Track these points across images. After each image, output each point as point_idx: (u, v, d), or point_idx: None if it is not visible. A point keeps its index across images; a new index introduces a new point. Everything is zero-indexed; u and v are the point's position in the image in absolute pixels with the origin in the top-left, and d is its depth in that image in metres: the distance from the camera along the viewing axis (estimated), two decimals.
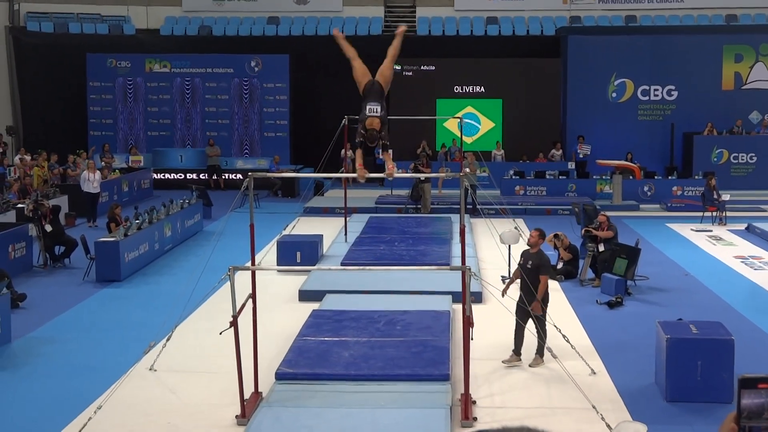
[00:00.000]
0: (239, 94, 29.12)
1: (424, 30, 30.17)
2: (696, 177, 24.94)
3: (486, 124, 28.98)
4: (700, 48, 27.83)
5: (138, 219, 16.44)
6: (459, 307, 11.30)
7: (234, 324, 8.29)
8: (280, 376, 9.49)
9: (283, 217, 19.51)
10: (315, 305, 12.64)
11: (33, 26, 29.96)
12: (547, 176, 25.22)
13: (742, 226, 20.04)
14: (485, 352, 10.59)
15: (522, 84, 28.64)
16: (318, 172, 18.12)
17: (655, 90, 28.11)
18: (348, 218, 18.61)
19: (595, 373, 9.95)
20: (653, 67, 27.94)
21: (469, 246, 14.93)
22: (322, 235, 17.07)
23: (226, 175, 27.66)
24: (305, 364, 9.82)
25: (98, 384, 9.51)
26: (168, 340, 9.93)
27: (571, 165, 26.55)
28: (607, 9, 30.32)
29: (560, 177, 25.25)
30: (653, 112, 28.21)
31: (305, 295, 13.50)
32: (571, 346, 9.91)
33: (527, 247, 10.96)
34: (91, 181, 20.56)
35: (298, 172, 25.80)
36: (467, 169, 21.53)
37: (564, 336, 9.82)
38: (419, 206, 22.55)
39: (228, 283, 8.37)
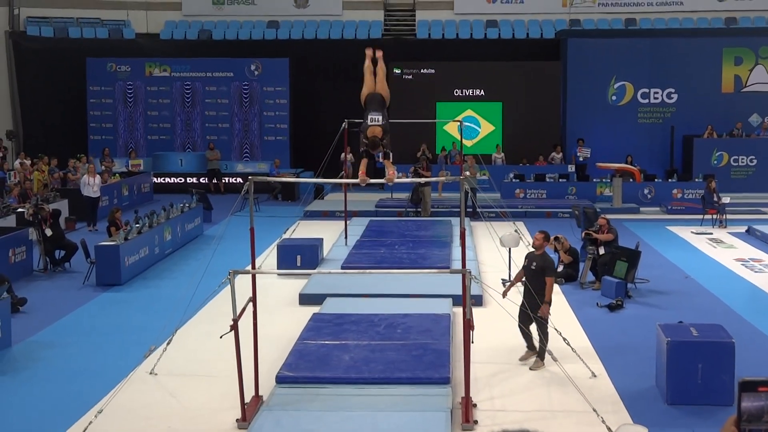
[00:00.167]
0: (239, 97, 29.14)
1: (424, 33, 30.19)
2: (696, 180, 24.96)
3: (486, 128, 28.99)
4: (700, 51, 27.86)
5: (138, 223, 16.44)
6: (459, 310, 11.29)
7: (234, 327, 8.29)
8: (280, 380, 9.49)
9: (284, 220, 19.52)
10: (315, 309, 12.64)
11: (33, 31, 29.99)
12: (547, 179, 25.22)
13: (743, 229, 20.04)
14: (486, 355, 10.59)
15: (522, 87, 28.66)
16: (318, 176, 18.10)
17: (655, 93, 28.14)
18: (348, 222, 18.61)
19: (595, 375, 9.94)
20: (653, 70, 27.97)
21: (469, 249, 14.94)
22: (323, 239, 17.08)
23: (226, 178, 27.69)
24: (306, 368, 9.82)
25: (99, 388, 9.50)
26: (168, 343, 9.92)
27: (571, 168, 26.56)
28: (607, 12, 30.36)
29: (560, 180, 25.25)
30: (653, 115, 28.23)
31: (305, 299, 13.50)
32: (572, 348, 9.90)
33: (532, 249, 10.97)
34: (91, 185, 20.56)
35: (298, 176, 25.81)
36: (467, 173, 21.52)
37: (564, 339, 9.82)
38: (419, 209, 22.56)
39: (228, 286, 8.37)
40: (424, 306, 12.48)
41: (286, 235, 17.06)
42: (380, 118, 8.89)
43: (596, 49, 28.17)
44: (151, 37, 30.47)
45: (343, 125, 17.71)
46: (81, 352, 11.24)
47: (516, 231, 14.47)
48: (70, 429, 8.56)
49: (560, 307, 12.72)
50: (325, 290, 13.62)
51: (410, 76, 28.98)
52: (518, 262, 13.80)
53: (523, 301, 10.28)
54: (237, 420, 8.62)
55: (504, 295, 10.46)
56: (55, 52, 29.41)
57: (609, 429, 7.97)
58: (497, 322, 11.42)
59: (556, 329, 10.07)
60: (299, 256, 15.67)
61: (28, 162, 24.27)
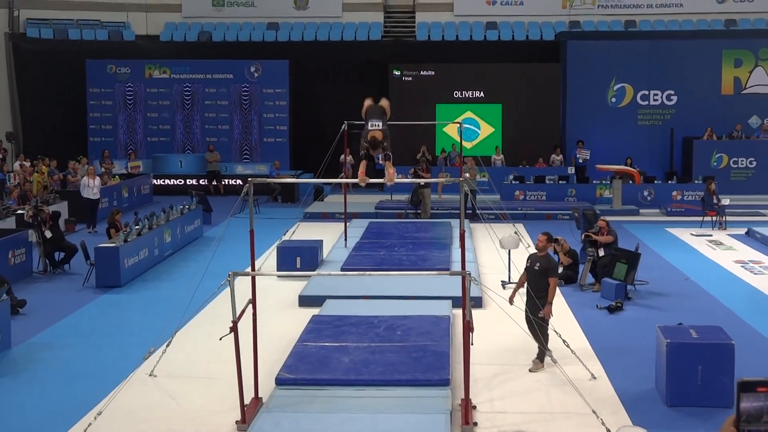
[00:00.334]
0: (239, 99, 29.15)
1: (424, 35, 30.20)
2: (696, 181, 24.96)
3: (486, 129, 28.99)
4: (700, 53, 27.88)
5: (138, 225, 16.44)
6: (459, 312, 11.29)
7: (234, 329, 8.29)
8: (280, 382, 9.49)
9: (283, 222, 19.53)
10: (315, 310, 12.64)
11: (33, 33, 30.00)
12: (547, 181, 25.22)
13: (742, 231, 20.04)
14: (485, 357, 10.60)
15: (521, 89, 28.67)
16: (318, 178, 18.12)
17: (655, 95, 28.15)
18: (348, 223, 18.60)
19: (595, 377, 9.95)
20: (653, 71, 27.98)
21: (468, 251, 14.93)
22: (322, 241, 17.07)
23: (226, 180, 27.69)
24: (305, 370, 9.82)
25: (98, 390, 9.50)
26: (168, 345, 9.93)
27: (571, 170, 26.55)
28: (607, 14, 30.37)
29: (560, 182, 25.24)
30: (653, 116, 28.24)
31: (305, 301, 13.50)
32: (571, 350, 9.91)
33: (533, 251, 10.99)
34: (90, 187, 20.56)
35: (297, 178, 25.82)
36: (467, 174, 21.54)
37: (564, 341, 9.82)
38: (419, 211, 22.56)
39: (228, 288, 8.37)
40: (424, 308, 12.48)
41: (285, 237, 17.06)
42: (380, 123, 9.10)
43: (596, 51, 28.19)
44: (150, 38, 30.49)
45: (343, 127, 17.72)
46: (80, 354, 11.24)
47: (515, 233, 14.48)
48: (70, 431, 8.56)
49: (560, 309, 12.71)
50: (324, 292, 13.62)
51: (410, 78, 28.99)
52: (518, 264, 13.83)
53: (526, 306, 10.30)
54: (236, 422, 8.62)
55: (511, 301, 10.48)
56: (54, 53, 29.42)
57: (608, 431, 7.97)
58: (497, 324, 11.42)
59: (555, 331, 10.08)
60: (299, 258, 15.66)
61: (27, 164, 24.28)
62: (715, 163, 26.69)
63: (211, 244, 18.13)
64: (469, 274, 8.49)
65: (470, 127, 28.14)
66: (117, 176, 25.33)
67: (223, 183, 27.55)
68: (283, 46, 29.70)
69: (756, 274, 15.98)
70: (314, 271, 15.07)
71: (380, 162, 27.29)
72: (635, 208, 23.72)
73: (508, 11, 30.47)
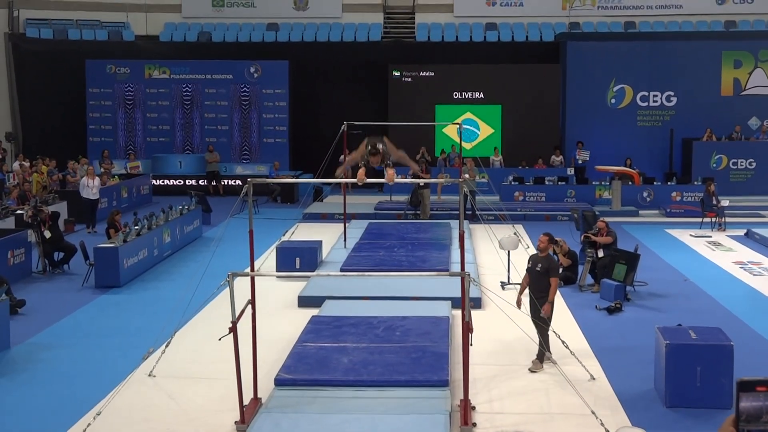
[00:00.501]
0: (238, 100, 29.14)
1: (423, 36, 30.20)
2: (695, 183, 24.97)
3: (485, 130, 28.99)
4: (699, 54, 27.89)
5: (137, 225, 16.44)
6: (458, 312, 11.28)
7: (233, 330, 8.29)
8: (279, 382, 9.49)
9: (283, 223, 19.53)
10: (314, 311, 12.64)
11: (32, 33, 29.99)
12: (547, 182, 25.22)
13: (741, 232, 20.04)
14: (484, 358, 10.60)
15: (521, 90, 28.66)
16: (317, 178, 18.13)
17: (654, 96, 28.15)
18: (347, 224, 18.60)
19: (594, 378, 9.95)
20: (652, 73, 27.98)
21: (468, 252, 14.94)
22: (322, 241, 17.07)
23: (226, 181, 27.68)
24: (304, 370, 9.82)
25: (97, 390, 9.50)
26: (167, 345, 9.92)
27: (571, 171, 26.56)
28: (606, 15, 30.38)
29: (559, 183, 25.24)
30: (652, 117, 28.24)
31: (304, 301, 13.50)
32: (571, 351, 9.91)
33: (535, 252, 11.00)
34: (90, 187, 20.56)
35: (297, 178, 25.82)
36: (466, 175, 21.55)
37: (563, 341, 9.82)
38: (418, 212, 22.56)
39: (227, 289, 8.36)
40: (423, 308, 12.49)
41: (285, 238, 17.06)
42: (381, 144, 9.53)
43: (596, 52, 28.19)
44: (150, 39, 30.48)
45: (343, 127, 17.71)
46: (80, 354, 11.24)
47: (515, 234, 14.48)
48: (69, 431, 8.56)
49: (559, 310, 12.67)
50: (324, 293, 13.62)
51: (409, 79, 28.99)
52: (517, 265, 13.84)
53: (531, 307, 10.32)
54: (236, 422, 8.61)
55: (518, 305, 10.48)
56: (54, 54, 29.42)
57: (608, 431, 7.97)
58: (496, 325, 11.43)
59: (554, 332, 10.08)
60: (298, 259, 15.66)
61: (27, 164, 24.27)
62: (714, 165, 26.69)
63: (211, 244, 18.14)
64: (469, 274, 8.48)
65: (470, 128, 28.14)
66: (116, 176, 25.32)
67: (222, 183, 27.55)
68: (282, 47, 29.70)
69: (755, 275, 15.99)
70: (313, 271, 15.06)
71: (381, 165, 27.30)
72: (634, 209, 23.72)
73: (507, 12, 30.47)
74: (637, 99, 28.15)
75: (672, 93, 28.05)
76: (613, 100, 28.23)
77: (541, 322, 10.15)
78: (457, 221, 11.69)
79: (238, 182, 26.77)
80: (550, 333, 10.22)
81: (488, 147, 28.34)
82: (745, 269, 16.45)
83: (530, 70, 28.83)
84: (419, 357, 10.17)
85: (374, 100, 28.68)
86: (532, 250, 14.22)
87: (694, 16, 30.12)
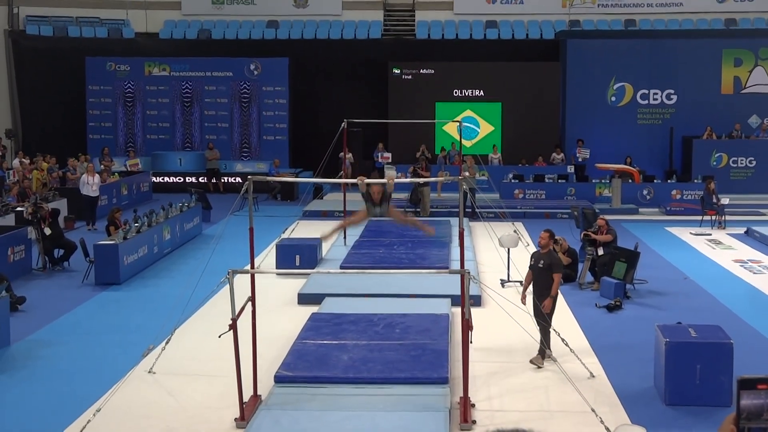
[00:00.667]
0: (238, 97, 29.13)
1: (424, 33, 30.19)
2: (695, 181, 24.96)
3: (485, 128, 28.98)
4: (700, 52, 27.88)
5: (137, 222, 16.44)
6: (458, 310, 11.28)
7: (233, 327, 8.29)
8: (279, 379, 9.49)
9: (283, 220, 19.52)
10: (314, 308, 12.64)
11: (32, 30, 29.97)
12: (547, 180, 25.21)
13: (742, 230, 20.04)
14: (484, 355, 10.60)
15: (521, 88, 28.64)
16: (317, 176, 18.12)
17: (655, 94, 28.15)
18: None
19: (594, 376, 9.95)
20: (652, 71, 27.97)
21: (468, 249, 14.95)
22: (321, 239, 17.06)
23: (226, 178, 27.68)
24: (304, 367, 9.82)
25: (97, 387, 9.51)
26: (167, 343, 9.93)
27: (571, 169, 26.55)
28: (607, 13, 30.36)
29: (559, 181, 25.23)
30: (652, 115, 28.24)
31: (304, 299, 13.50)
32: (570, 349, 9.91)
33: (536, 249, 11.02)
34: (90, 184, 20.56)
35: (297, 176, 25.81)
36: (466, 173, 21.53)
37: (563, 339, 9.83)
38: (418, 209, 22.55)
39: (227, 286, 8.36)
40: (423, 306, 12.49)
41: (285, 235, 17.06)
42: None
43: (596, 50, 28.18)
44: (150, 36, 30.46)
45: (343, 125, 17.70)
46: (79, 351, 11.24)
47: (515, 231, 14.48)
48: (69, 427, 8.56)
49: (559, 308, 12.63)
50: (323, 290, 13.62)
51: (409, 77, 28.97)
52: (517, 263, 13.85)
53: (534, 304, 10.33)
54: (235, 419, 8.62)
55: (523, 300, 10.50)
56: (54, 51, 29.40)
57: (607, 429, 7.97)
58: (496, 323, 11.43)
59: (554, 329, 10.08)
60: (298, 256, 15.67)
61: (27, 161, 24.26)
62: (714, 163, 26.69)
63: (211, 241, 18.09)
64: (468, 272, 8.49)
65: (470, 125, 28.13)
66: (116, 173, 25.31)
67: (222, 181, 27.54)
68: (282, 44, 29.68)
69: (755, 273, 15.99)
70: (313, 269, 15.09)
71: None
72: (635, 207, 23.72)
73: (507, 10, 30.45)
74: (638, 97, 28.15)
75: (672, 91, 28.04)
76: (613, 98, 28.22)
77: (543, 320, 10.15)
78: (457, 219, 11.68)
79: (238, 179, 26.78)
80: (550, 331, 10.22)
81: (488, 144, 28.32)
82: (745, 267, 16.46)
83: (530, 67, 28.81)
84: (419, 354, 10.17)
85: (374, 97, 28.67)
86: (532, 248, 14.20)
87: (694, 14, 30.10)
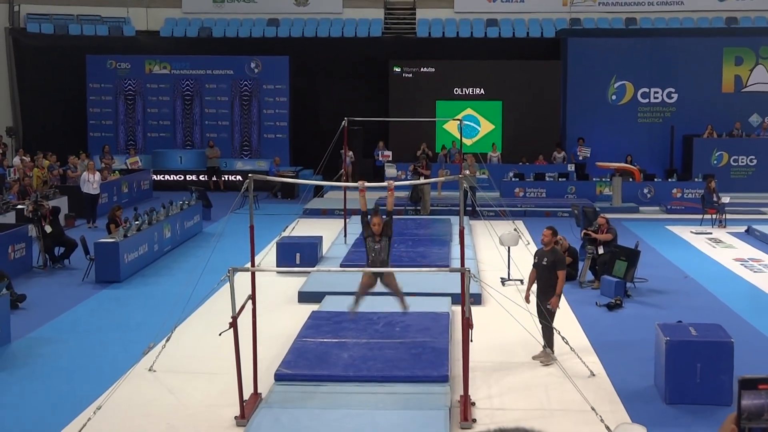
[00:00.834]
0: (239, 95, 29.12)
1: (424, 32, 30.17)
2: (696, 179, 24.94)
3: (486, 126, 28.97)
4: (700, 51, 27.86)
5: (137, 220, 16.44)
6: (458, 308, 11.28)
7: (233, 325, 8.29)
8: (279, 377, 9.49)
9: (283, 218, 19.51)
10: (314, 306, 12.64)
11: (33, 28, 29.96)
12: (547, 178, 25.21)
13: (742, 229, 20.04)
14: (484, 354, 10.60)
15: (522, 86, 28.62)
16: (317, 174, 18.14)
17: (655, 92, 28.13)
18: (347, 220, 18.58)
19: (594, 374, 9.95)
20: (653, 69, 27.96)
21: (468, 248, 14.93)
22: (322, 237, 17.07)
23: (226, 176, 27.67)
24: (304, 366, 9.82)
25: (97, 385, 9.51)
26: (167, 340, 9.94)
27: (571, 167, 26.54)
28: (607, 11, 30.33)
29: (560, 179, 25.23)
30: (653, 114, 28.23)
31: (304, 297, 13.50)
32: (571, 347, 9.91)
33: (539, 247, 11.03)
34: (90, 182, 20.56)
35: (297, 174, 25.79)
36: (467, 171, 21.53)
37: (563, 338, 9.83)
38: (419, 208, 22.55)
39: (227, 284, 8.37)
40: (423, 304, 12.46)
41: (285, 233, 17.06)
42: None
43: (596, 49, 28.17)
44: (151, 34, 30.45)
45: (343, 123, 17.70)
46: (80, 349, 11.25)
47: (515, 230, 14.48)
48: (69, 425, 8.57)
49: (560, 306, 12.71)
50: (324, 288, 13.61)
51: (410, 75, 28.96)
52: (517, 261, 13.86)
53: (538, 302, 10.34)
54: (235, 417, 8.62)
55: (527, 299, 10.50)
56: (55, 49, 29.38)
57: (608, 428, 7.98)
58: (496, 321, 11.43)
59: (555, 328, 10.09)
60: (298, 254, 15.66)
61: (27, 159, 24.26)
62: (715, 161, 26.68)
63: (211, 239, 18.07)
64: (469, 270, 8.49)
65: (470, 124, 28.11)
66: (117, 171, 25.31)
67: (222, 179, 27.54)
68: (283, 42, 29.67)
69: (755, 272, 15.99)
70: (314, 267, 15.08)
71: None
72: (635, 205, 23.72)
73: (508, 8, 30.43)
74: (638, 95, 28.13)
75: (673, 90, 28.03)
76: (613, 97, 28.21)
77: (545, 320, 10.15)
78: (458, 217, 11.68)
79: (239, 177, 26.76)
80: (552, 329, 10.23)
81: (488, 143, 28.31)
82: (745, 266, 16.45)
83: (531, 66, 28.79)
84: (419, 353, 10.18)
85: (375, 95, 28.66)
86: (533, 247, 14.23)
87: (695, 12, 30.08)
